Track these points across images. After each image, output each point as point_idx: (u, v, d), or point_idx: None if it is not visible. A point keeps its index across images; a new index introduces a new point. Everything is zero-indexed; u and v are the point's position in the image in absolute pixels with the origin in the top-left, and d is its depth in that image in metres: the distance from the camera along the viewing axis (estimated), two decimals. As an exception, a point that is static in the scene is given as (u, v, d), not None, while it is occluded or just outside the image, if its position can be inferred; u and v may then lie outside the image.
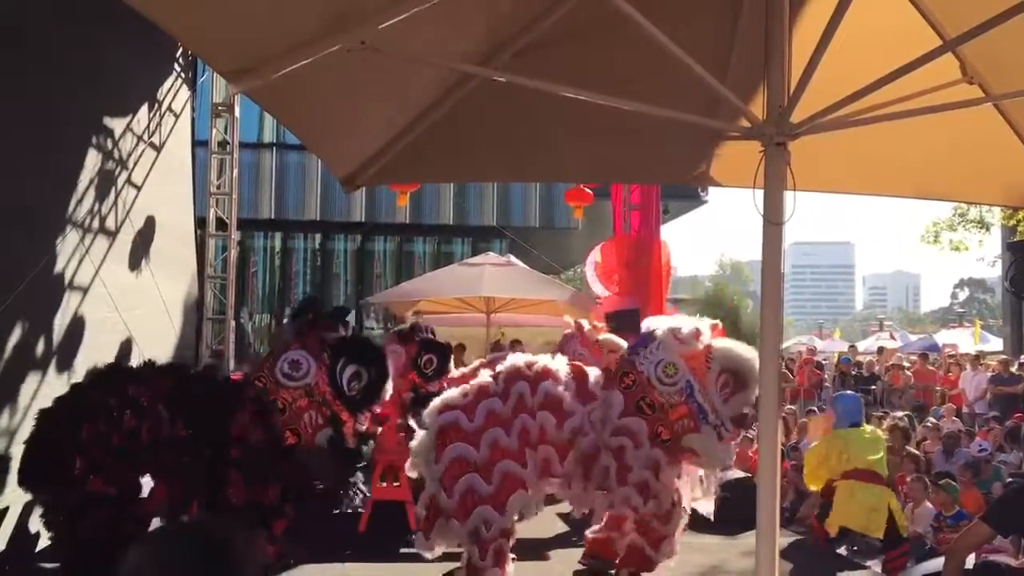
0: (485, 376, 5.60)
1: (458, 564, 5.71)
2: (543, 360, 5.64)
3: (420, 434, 5.50)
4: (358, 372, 5.59)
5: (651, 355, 5.62)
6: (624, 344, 8.12)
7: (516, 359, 5.68)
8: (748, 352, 5.55)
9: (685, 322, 5.82)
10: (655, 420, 5.46)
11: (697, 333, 5.61)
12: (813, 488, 7.41)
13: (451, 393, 5.56)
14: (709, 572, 6.34)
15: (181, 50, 9.64)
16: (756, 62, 2.83)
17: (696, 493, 6.03)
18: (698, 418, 5.47)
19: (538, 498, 5.51)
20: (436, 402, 5.51)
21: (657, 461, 5.43)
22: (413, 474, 5.69)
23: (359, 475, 8.31)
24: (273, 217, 18.06)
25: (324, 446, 5.52)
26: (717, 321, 6.00)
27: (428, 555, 5.46)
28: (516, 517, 5.37)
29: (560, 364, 5.65)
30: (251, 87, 2.53)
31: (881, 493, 6.76)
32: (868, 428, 7.27)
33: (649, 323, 5.99)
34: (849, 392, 8.46)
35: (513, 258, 14.30)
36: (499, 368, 5.60)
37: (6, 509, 5.91)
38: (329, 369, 5.56)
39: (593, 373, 5.71)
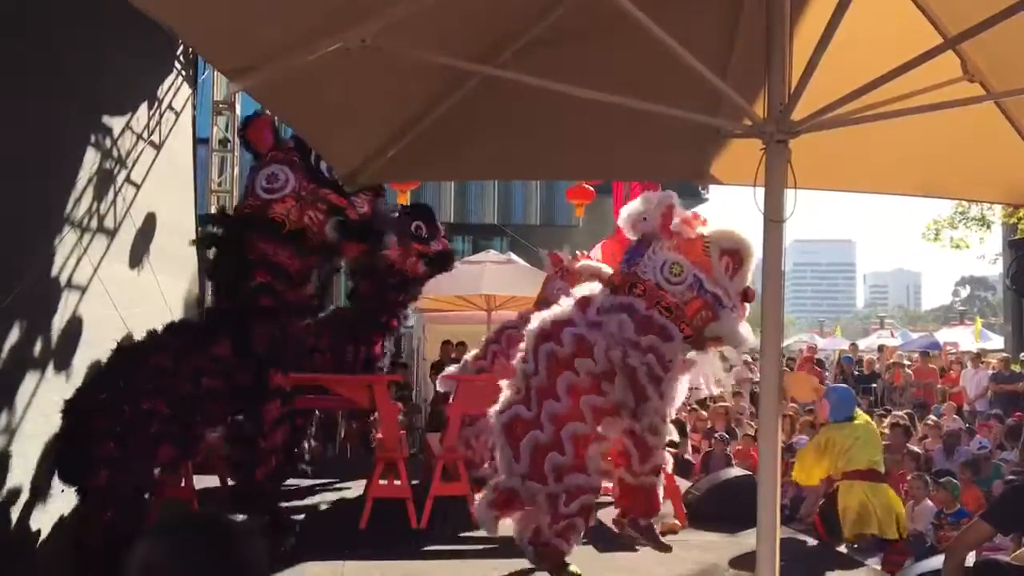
0: (515, 361, 5.64)
1: (465, 561, 5.74)
2: (546, 313, 5.66)
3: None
4: None
5: (651, 260, 5.59)
6: (604, 268, 8.18)
7: (526, 324, 5.75)
8: (739, 230, 5.66)
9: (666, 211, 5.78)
10: (674, 320, 5.46)
11: (687, 220, 5.64)
12: (805, 483, 7.43)
13: (504, 393, 5.56)
14: (709, 569, 6.34)
15: (182, 48, 9.63)
16: (757, 60, 2.83)
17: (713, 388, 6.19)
18: (714, 307, 5.50)
19: (606, 445, 5.54)
20: (496, 407, 5.53)
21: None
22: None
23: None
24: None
25: (335, 233, 5.57)
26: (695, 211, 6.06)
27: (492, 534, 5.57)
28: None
29: (564, 304, 5.67)
30: (252, 85, 2.53)
31: (890, 492, 6.80)
32: (862, 419, 7.24)
33: (629, 223, 5.87)
34: (841, 385, 8.45)
35: (514, 256, 14.30)
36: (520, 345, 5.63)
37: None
38: (304, 166, 5.59)
39: (594, 295, 5.69)
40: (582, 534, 5.41)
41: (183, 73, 9.85)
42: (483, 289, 11.20)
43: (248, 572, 1.44)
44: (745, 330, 5.66)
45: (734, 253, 5.57)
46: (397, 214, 8.76)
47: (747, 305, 5.75)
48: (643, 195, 5.96)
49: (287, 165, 5.63)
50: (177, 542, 1.44)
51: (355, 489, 8.75)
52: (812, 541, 7.32)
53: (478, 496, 5.69)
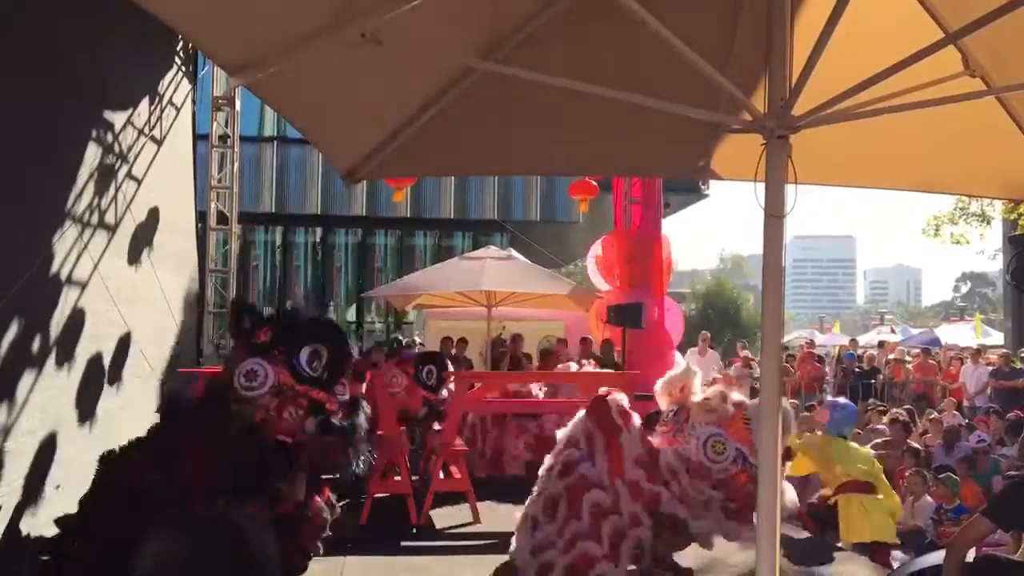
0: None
1: (465, 557, 5.75)
2: None
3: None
4: (315, 351, 5.51)
5: (693, 435, 5.61)
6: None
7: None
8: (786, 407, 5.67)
9: (697, 383, 5.85)
10: (724, 494, 5.51)
11: (722, 396, 5.66)
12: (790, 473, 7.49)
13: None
14: (708, 565, 6.34)
15: (182, 43, 9.62)
16: (758, 55, 2.82)
17: None
18: (745, 467, 5.52)
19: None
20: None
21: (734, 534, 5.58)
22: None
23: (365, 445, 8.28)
24: (274, 211, 18.05)
25: (316, 433, 5.46)
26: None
27: None
28: None
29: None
30: (251, 80, 2.52)
31: (887, 502, 7.04)
32: (852, 444, 7.49)
33: (665, 393, 5.95)
34: (850, 404, 8.53)
35: (514, 252, 14.30)
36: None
37: (-1, 507, 5.91)
38: (286, 361, 5.48)
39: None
40: None
41: (183, 69, 9.84)
42: (483, 285, 11.18)
43: (261, 567, 1.45)
44: (791, 495, 5.75)
45: None
46: (415, 351, 8.97)
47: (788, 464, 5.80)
48: (684, 369, 5.99)
49: (265, 359, 5.51)
50: (192, 539, 1.44)
51: (355, 485, 8.76)
52: (804, 534, 7.34)
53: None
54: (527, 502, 5.64)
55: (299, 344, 5.45)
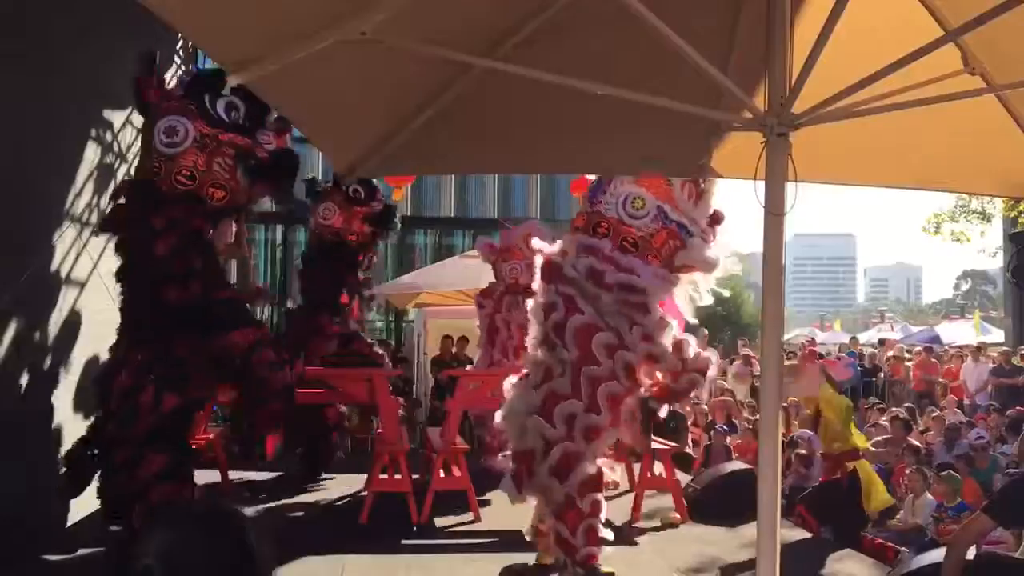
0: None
1: (466, 555, 5.74)
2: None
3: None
4: (230, 103, 5.43)
5: (612, 196, 5.63)
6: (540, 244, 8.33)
7: None
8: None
9: None
10: (642, 255, 5.50)
11: None
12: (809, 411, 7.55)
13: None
14: (709, 563, 6.35)
15: (181, 42, 9.61)
16: (758, 52, 2.82)
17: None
18: (681, 235, 5.54)
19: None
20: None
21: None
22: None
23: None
24: (274, 209, 18.03)
25: (247, 175, 5.40)
26: None
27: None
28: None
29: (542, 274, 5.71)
30: (251, 79, 2.52)
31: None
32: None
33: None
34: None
35: (514, 250, 14.27)
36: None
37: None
38: (201, 113, 5.40)
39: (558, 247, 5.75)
40: (602, 534, 5.40)
41: (182, 68, 9.83)
42: (483, 284, 11.18)
43: (257, 560, 1.44)
44: (715, 254, 5.65)
45: (694, 181, 5.60)
46: (310, 178, 9.09)
47: (718, 228, 5.76)
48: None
49: (183, 115, 5.41)
50: (189, 532, 1.44)
51: (356, 484, 8.77)
52: (804, 533, 7.35)
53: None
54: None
55: (213, 97, 5.38)
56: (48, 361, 6.57)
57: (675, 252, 5.54)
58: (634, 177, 5.59)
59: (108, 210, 5.99)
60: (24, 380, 6.23)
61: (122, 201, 5.79)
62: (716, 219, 5.72)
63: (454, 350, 12.20)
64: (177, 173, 5.28)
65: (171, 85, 6.07)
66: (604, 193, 5.69)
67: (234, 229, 5.74)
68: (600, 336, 5.32)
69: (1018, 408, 11.27)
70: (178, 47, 9.69)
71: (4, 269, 5.93)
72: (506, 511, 6.18)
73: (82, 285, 7.02)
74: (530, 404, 5.44)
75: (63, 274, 6.81)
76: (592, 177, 14.41)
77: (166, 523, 1.47)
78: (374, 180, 8.97)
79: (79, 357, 6.86)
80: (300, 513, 8.21)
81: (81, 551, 6.20)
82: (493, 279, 9.68)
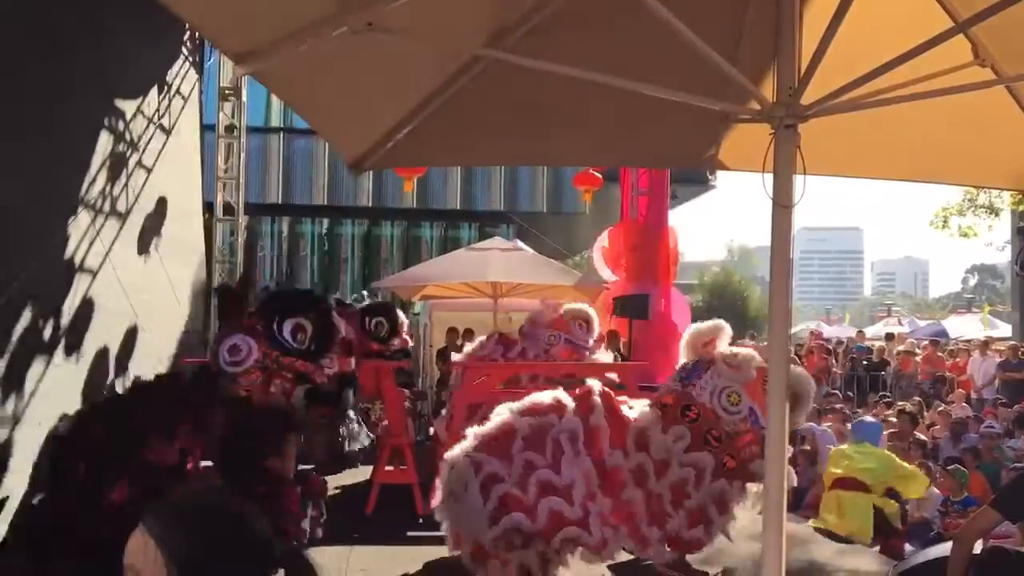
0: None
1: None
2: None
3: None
4: (298, 324, 5.45)
5: (709, 383, 5.51)
6: (591, 312, 8.19)
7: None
8: (800, 370, 5.59)
9: (727, 343, 5.73)
10: (721, 451, 5.39)
11: (751, 357, 5.55)
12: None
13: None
14: (713, 556, 6.34)
15: (189, 32, 9.62)
16: (766, 43, 2.80)
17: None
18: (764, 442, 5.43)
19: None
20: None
21: (721, 491, 5.43)
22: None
23: (350, 412, 8.11)
24: (280, 202, 18.06)
25: (303, 403, 5.39)
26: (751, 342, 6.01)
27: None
28: None
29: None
30: (258, 69, 2.52)
31: (865, 501, 7.08)
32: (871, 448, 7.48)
33: (691, 345, 5.81)
34: (872, 422, 8.52)
35: (520, 243, 14.28)
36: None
37: (6, 499, 5.93)
38: (267, 334, 5.40)
39: (635, 410, 5.56)
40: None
41: (190, 58, 9.84)
42: (489, 276, 11.19)
43: (257, 547, 1.45)
44: (791, 473, 5.45)
45: (793, 395, 5.49)
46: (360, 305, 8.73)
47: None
48: (713, 323, 5.87)
49: (249, 334, 5.42)
50: (191, 520, 1.45)
51: (361, 475, 8.79)
52: (808, 526, 7.34)
53: None
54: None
55: (282, 318, 5.41)
56: (59, 351, 6.59)
57: (754, 458, 5.37)
58: (733, 373, 5.49)
59: None
60: (35, 369, 6.25)
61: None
62: (794, 440, 5.64)
63: (459, 342, 12.20)
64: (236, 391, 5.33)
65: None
66: (699, 378, 5.57)
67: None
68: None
69: (1025, 402, 11.26)
70: (185, 38, 9.69)
71: (18, 256, 5.95)
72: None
73: (94, 274, 7.05)
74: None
75: (76, 262, 6.84)
76: (598, 173, 14.44)
77: (168, 511, 1.47)
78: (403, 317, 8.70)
79: (91, 346, 6.89)
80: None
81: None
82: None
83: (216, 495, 1.62)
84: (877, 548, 6.98)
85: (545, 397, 5.50)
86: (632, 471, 5.33)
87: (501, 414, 5.37)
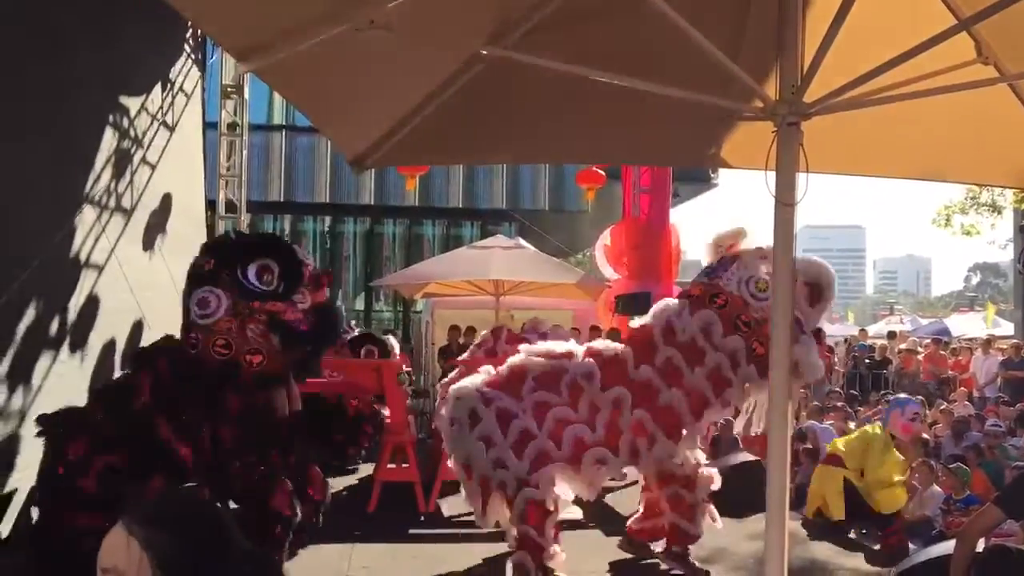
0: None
1: (473, 544, 5.75)
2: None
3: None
4: (263, 266, 5.41)
5: (735, 274, 5.55)
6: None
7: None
8: (824, 264, 5.59)
9: (746, 242, 5.80)
10: (751, 335, 5.39)
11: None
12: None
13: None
14: (716, 555, 6.35)
15: (191, 30, 9.62)
16: (769, 41, 2.80)
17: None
18: (794, 329, 5.35)
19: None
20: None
21: (749, 378, 5.43)
22: None
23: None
24: (283, 199, 18.07)
25: (280, 345, 5.38)
26: None
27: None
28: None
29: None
30: (260, 66, 2.51)
31: (835, 474, 7.21)
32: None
33: (714, 248, 5.87)
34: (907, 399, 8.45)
35: (522, 241, 14.28)
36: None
37: (13, 492, 5.94)
38: (233, 282, 5.39)
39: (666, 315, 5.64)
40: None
41: (192, 56, 9.84)
42: (491, 274, 11.19)
43: (234, 548, 1.45)
44: (820, 363, 5.47)
45: (816, 285, 5.50)
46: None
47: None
48: (735, 228, 5.92)
49: (215, 285, 5.41)
50: (172, 521, 1.45)
51: (364, 473, 8.80)
52: (811, 526, 7.34)
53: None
54: None
55: (245, 263, 5.38)
56: (65, 345, 6.60)
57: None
58: (762, 259, 5.50)
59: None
60: (41, 365, 6.25)
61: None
62: (819, 339, 5.63)
63: (461, 340, 12.19)
64: (213, 343, 5.32)
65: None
66: (725, 271, 5.61)
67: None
68: (664, 395, 5.37)
69: (1028, 401, 11.24)
70: (187, 35, 9.69)
71: (23, 252, 5.96)
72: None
73: (99, 270, 7.05)
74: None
75: (81, 260, 6.84)
76: (601, 171, 14.40)
77: (143, 514, 1.47)
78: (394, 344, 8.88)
79: (96, 342, 6.89)
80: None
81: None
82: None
83: (192, 498, 1.63)
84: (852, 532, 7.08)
85: (558, 347, 5.67)
86: (661, 368, 5.42)
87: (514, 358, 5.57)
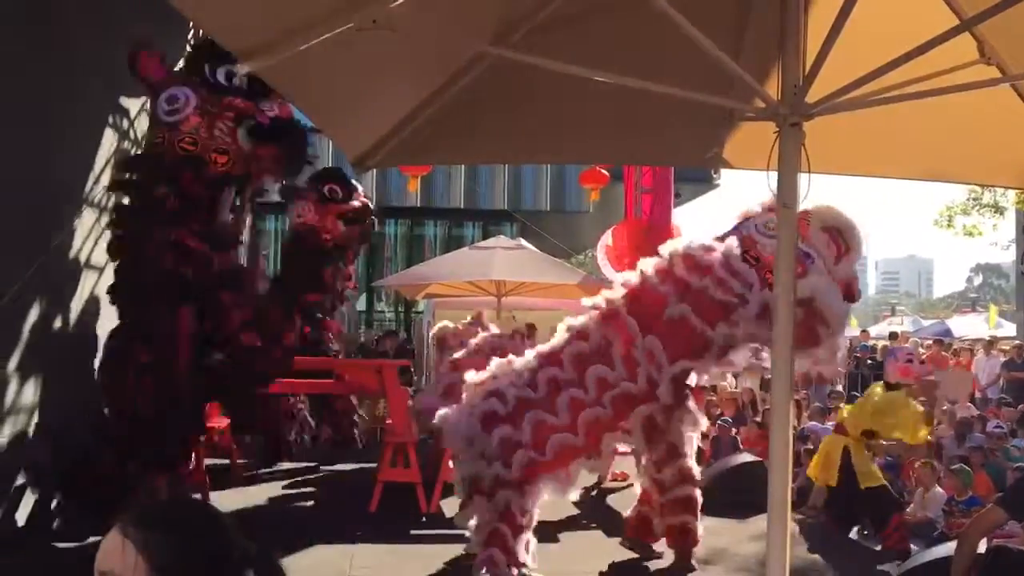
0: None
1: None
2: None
3: None
4: (232, 70, 5.40)
5: (746, 225, 5.71)
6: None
7: None
8: (843, 210, 5.64)
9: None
10: (760, 269, 5.46)
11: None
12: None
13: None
14: (718, 555, 6.35)
15: (193, 30, 9.63)
16: (770, 40, 2.79)
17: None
18: (804, 261, 5.35)
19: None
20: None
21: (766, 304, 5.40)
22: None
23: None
24: (284, 200, 18.04)
25: (248, 140, 5.36)
26: None
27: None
28: None
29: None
30: (261, 66, 2.51)
31: (833, 441, 7.30)
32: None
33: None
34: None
35: (524, 242, 14.28)
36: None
37: (20, 489, 5.95)
38: (202, 80, 5.38)
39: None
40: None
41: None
42: (493, 275, 11.19)
43: (233, 550, 1.45)
44: (844, 305, 5.49)
45: (836, 232, 5.56)
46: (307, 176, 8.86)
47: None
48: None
49: (183, 84, 5.39)
50: (169, 524, 1.44)
51: (365, 473, 8.79)
52: (812, 526, 7.34)
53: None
54: None
55: (214, 66, 5.37)
56: (65, 345, 6.60)
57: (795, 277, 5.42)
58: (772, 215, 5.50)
59: (111, 179, 5.97)
60: (41, 364, 6.26)
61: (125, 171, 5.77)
62: (851, 291, 5.70)
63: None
64: (180, 140, 5.28)
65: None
66: (735, 230, 5.78)
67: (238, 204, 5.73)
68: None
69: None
70: (189, 36, 9.69)
71: (25, 252, 5.97)
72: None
73: (100, 269, 7.06)
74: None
75: (82, 258, 6.85)
76: (605, 171, 14.36)
77: (141, 520, 1.47)
78: (353, 179, 8.94)
79: (96, 342, 6.90)
80: (310, 503, 8.24)
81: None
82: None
83: (188, 500, 1.62)
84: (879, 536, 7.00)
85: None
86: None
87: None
